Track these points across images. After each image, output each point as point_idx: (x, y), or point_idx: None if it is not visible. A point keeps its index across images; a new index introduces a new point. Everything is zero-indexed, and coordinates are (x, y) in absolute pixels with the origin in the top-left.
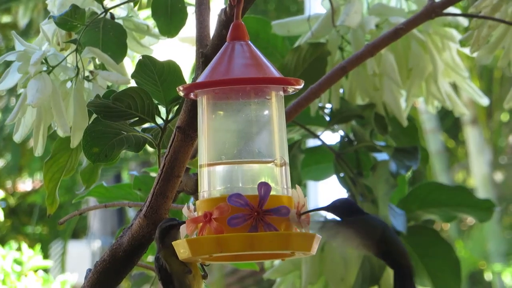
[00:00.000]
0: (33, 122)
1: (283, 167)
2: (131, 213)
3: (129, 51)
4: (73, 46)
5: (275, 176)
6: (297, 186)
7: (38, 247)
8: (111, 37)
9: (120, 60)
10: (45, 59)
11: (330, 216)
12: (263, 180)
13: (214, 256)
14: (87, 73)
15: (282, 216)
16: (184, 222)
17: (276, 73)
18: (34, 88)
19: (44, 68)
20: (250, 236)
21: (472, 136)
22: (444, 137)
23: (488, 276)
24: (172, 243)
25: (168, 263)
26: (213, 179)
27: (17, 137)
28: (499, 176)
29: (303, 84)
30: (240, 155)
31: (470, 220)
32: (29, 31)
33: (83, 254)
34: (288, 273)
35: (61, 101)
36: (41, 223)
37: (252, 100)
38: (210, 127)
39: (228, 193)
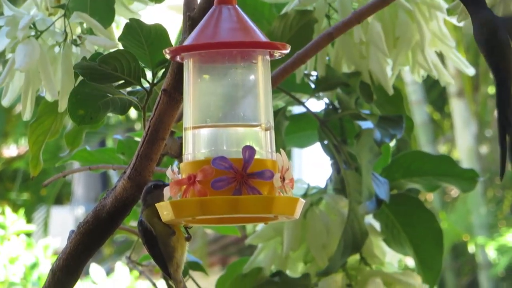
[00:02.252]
0: (21, 86)
1: (268, 131)
2: (114, 180)
3: (116, 17)
4: (61, 11)
5: (259, 140)
6: (281, 150)
7: (21, 212)
8: (99, 2)
9: (108, 25)
10: (33, 24)
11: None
12: (247, 143)
13: (197, 219)
14: (75, 38)
15: (266, 180)
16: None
17: (262, 38)
18: (23, 52)
19: (32, 33)
20: (234, 199)
21: (458, 108)
22: (429, 109)
23: (471, 248)
24: (156, 205)
25: (152, 225)
26: (197, 142)
27: (5, 102)
28: (484, 149)
29: (289, 49)
30: (225, 119)
31: (454, 192)
32: None
33: (66, 220)
34: (269, 239)
35: (49, 65)
36: (25, 189)
37: (238, 64)
38: (195, 90)
39: (213, 156)
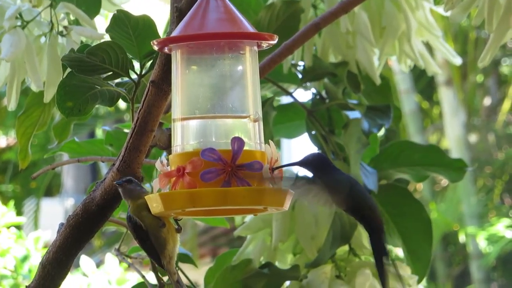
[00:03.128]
0: (7, 76)
1: (257, 122)
2: (104, 171)
3: (101, 11)
4: (47, 1)
5: (248, 131)
6: (270, 141)
7: (11, 204)
8: None
9: (94, 15)
10: (20, 14)
11: (302, 172)
12: (236, 135)
13: (186, 211)
14: (61, 28)
15: (255, 171)
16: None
17: (250, 28)
18: (9, 42)
19: (19, 23)
20: (223, 191)
21: (446, 97)
22: (418, 98)
23: (462, 238)
24: (145, 197)
25: (141, 219)
26: (186, 134)
27: None
28: (473, 138)
29: (277, 39)
30: (214, 110)
31: (444, 181)
32: None
33: (56, 212)
34: (258, 230)
35: (35, 56)
36: (15, 181)
37: (226, 55)
38: (184, 81)
39: (202, 147)
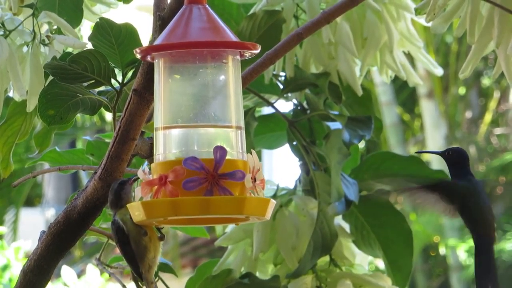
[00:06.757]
0: None
1: (239, 131)
2: (85, 181)
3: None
4: (30, 11)
5: (230, 140)
6: (252, 151)
7: None
8: (67, 2)
9: (76, 24)
10: (2, 23)
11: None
12: (218, 144)
13: (168, 219)
14: (43, 38)
15: (237, 181)
16: (135, 179)
17: (233, 37)
18: None
19: (1, 32)
20: (205, 200)
21: (427, 109)
22: (399, 110)
23: (442, 250)
24: (127, 205)
25: (124, 223)
26: (168, 142)
27: None
28: None
29: (259, 49)
30: (196, 119)
31: None
32: None
33: (37, 222)
34: (239, 240)
35: (18, 65)
36: None
37: (209, 64)
38: (166, 90)
39: (184, 156)
